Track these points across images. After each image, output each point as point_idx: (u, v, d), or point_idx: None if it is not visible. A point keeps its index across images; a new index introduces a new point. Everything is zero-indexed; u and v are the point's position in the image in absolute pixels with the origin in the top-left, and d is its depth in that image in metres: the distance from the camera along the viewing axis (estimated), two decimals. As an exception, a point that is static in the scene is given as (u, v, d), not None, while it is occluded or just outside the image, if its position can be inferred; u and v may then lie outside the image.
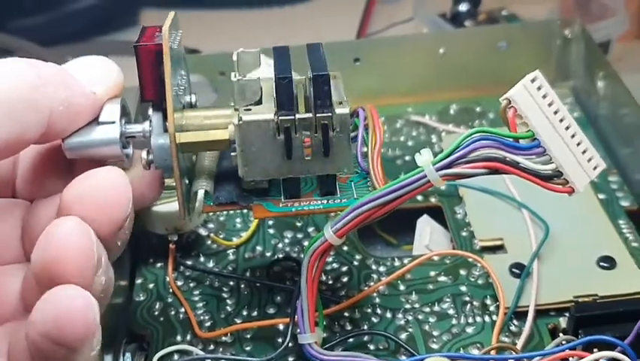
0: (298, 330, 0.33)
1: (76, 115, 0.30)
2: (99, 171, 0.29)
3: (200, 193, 0.33)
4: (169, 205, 0.40)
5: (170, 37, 0.31)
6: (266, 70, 0.34)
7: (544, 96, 0.30)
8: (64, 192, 0.29)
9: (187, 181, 0.34)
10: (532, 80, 0.30)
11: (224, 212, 0.45)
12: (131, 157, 0.32)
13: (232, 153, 0.32)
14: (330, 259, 0.42)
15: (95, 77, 0.31)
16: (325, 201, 0.34)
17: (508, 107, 0.30)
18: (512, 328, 0.37)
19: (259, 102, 0.33)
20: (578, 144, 0.30)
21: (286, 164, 0.32)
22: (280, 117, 0.31)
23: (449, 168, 0.30)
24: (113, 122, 0.31)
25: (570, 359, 0.32)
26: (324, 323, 0.36)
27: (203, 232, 0.43)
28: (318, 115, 0.31)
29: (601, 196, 0.44)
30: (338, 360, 0.33)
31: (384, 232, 0.46)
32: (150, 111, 0.32)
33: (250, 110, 0.32)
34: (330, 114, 0.31)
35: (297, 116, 0.31)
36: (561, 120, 0.30)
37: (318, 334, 0.34)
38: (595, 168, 0.30)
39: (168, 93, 0.31)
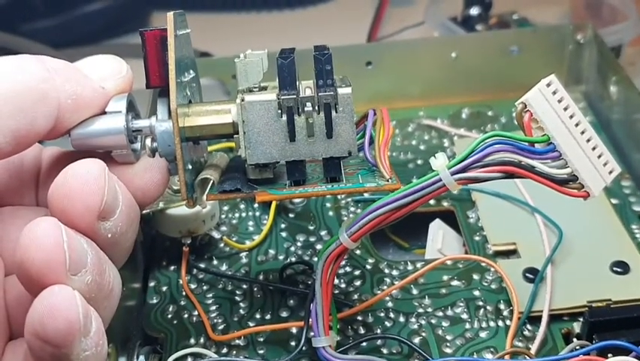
0: (312, 333, 0.33)
1: (85, 109, 0.30)
2: (73, 163, 0.28)
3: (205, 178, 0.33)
4: (182, 209, 0.40)
5: (176, 28, 0.31)
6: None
7: (559, 100, 0.30)
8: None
9: (194, 177, 0.33)
10: (548, 85, 0.30)
11: (237, 215, 0.45)
12: (139, 153, 0.32)
13: (235, 135, 0.32)
14: (343, 263, 0.42)
15: (105, 73, 0.31)
16: (330, 185, 0.33)
17: (524, 112, 0.30)
18: (526, 332, 0.37)
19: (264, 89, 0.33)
20: (594, 149, 0.30)
21: (290, 146, 0.32)
22: (282, 97, 0.31)
23: (464, 172, 0.30)
24: (119, 112, 0.31)
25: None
26: (338, 326, 0.36)
27: (216, 235, 0.43)
28: (320, 94, 0.31)
29: (614, 201, 0.44)
30: (352, 364, 0.33)
31: (396, 236, 0.46)
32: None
33: (253, 92, 0.32)
34: (332, 93, 0.31)
35: (300, 95, 0.31)
36: (577, 125, 0.30)
37: (332, 337, 0.34)
38: (610, 172, 0.30)
39: (172, 67, 0.30)
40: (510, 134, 0.30)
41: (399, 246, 0.46)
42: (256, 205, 0.46)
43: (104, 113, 0.31)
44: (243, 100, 0.31)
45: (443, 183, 0.30)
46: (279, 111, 0.31)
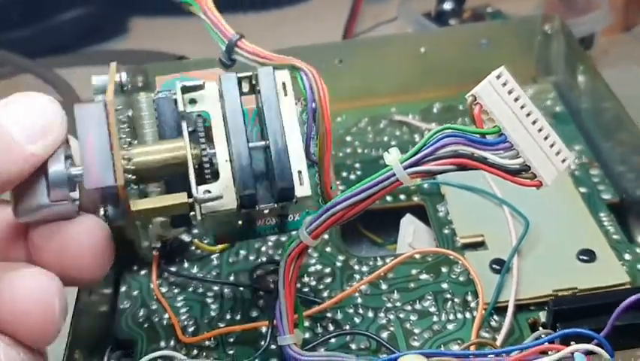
0: (277, 332, 0.34)
1: (11, 183, 0.28)
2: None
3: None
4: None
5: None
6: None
7: (509, 92, 0.30)
8: None
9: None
10: (498, 77, 0.30)
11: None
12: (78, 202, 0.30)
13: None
14: (312, 261, 0.42)
15: (35, 131, 0.28)
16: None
17: (474, 104, 0.30)
18: (493, 323, 0.37)
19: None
20: (546, 138, 0.30)
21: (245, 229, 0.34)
22: (243, 210, 0.31)
23: (417, 165, 0.31)
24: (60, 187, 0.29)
25: (548, 352, 0.32)
26: (305, 324, 0.37)
27: (186, 238, 0.43)
28: (279, 204, 0.32)
29: (582, 190, 0.44)
30: (317, 360, 0.33)
31: (369, 232, 0.47)
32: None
33: (210, 194, 0.30)
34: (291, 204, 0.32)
35: (260, 207, 0.31)
36: (528, 115, 0.30)
37: (297, 335, 0.34)
38: (563, 160, 0.31)
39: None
40: (461, 127, 0.30)
41: (372, 242, 0.47)
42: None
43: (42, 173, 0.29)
44: (203, 215, 0.30)
45: (397, 177, 0.30)
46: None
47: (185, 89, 0.32)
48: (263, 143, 0.31)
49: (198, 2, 0.35)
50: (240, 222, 0.33)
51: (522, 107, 0.30)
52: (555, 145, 0.30)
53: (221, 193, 0.30)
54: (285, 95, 0.32)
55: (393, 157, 0.31)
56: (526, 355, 0.32)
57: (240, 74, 0.32)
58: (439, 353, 0.33)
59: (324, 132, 0.32)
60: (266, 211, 0.32)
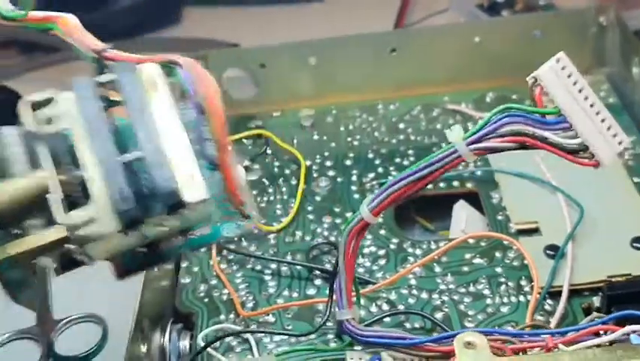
0: (336, 308, 0.35)
1: None
2: None
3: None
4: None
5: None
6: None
7: (569, 75, 0.30)
8: None
9: None
10: (557, 61, 0.31)
11: (265, 198, 0.46)
12: None
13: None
14: (367, 242, 0.43)
15: None
16: None
17: (535, 85, 0.31)
18: (547, 307, 0.38)
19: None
20: (603, 120, 0.31)
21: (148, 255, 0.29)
22: (131, 231, 0.26)
23: (479, 142, 0.31)
24: None
25: (602, 333, 0.33)
26: (362, 302, 0.38)
27: (244, 216, 0.44)
28: (171, 215, 0.27)
29: (636, 180, 0.44)
30: (374, 335, 0.34)
31: (421, 218, 0.47)
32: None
33: (81, 217, 0.26)
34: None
35: (149, 221, 0.27)
36: (585, 98, 0.30)
37: (355, 311, 0.35)
38: (620, 143, 0.31)
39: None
40: (522, 107, 0.31)
41: (424, 228, 0.47)
42: (284, 189, 0.47)
43: None
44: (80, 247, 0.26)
45: (459, 153, 0.31)
46: None
47: (37, 106, 0.28)
48: (135, 151, 0.26)
49: (61, 26, 0.31)
50: (140, 248, 0.28)
51: (580, 91, 0.31)
52: (612, 128, 0.31)
53: (95, 215, 0.26)
54: (156, 91, 0.28)
55: (456, 134, 0.31)
56: (580, 335, 0.32)
57: (101, 77, 0.28)
58: (497, 331, 0.34)
59: (215, 129, 0.28)
60: (162, 228, 0.27)
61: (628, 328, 0.31)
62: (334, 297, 0.35)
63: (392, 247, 0.42)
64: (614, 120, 0.30)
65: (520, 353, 0.32)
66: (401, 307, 0.39)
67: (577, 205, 0.42)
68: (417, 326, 0.38)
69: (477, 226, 0.44)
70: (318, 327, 0.36)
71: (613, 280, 0.37)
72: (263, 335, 0.38)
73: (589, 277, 0.38)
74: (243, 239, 0.44)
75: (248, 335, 0.38)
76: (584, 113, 0.30)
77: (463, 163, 0.45)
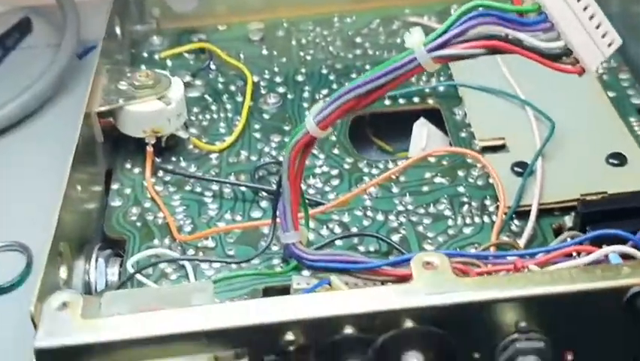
0: (281, 229, 0.31)
1: None
2: None
3: None
4: (145, 105, 0.38)
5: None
6: None
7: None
8: None
9: None
10: (537, -53, 0.26)
11: (208, 116, 0.42)
12: None
13: None
14: (319, 162, 0.39)
15: None
16: None
17: (510, -25, 0.26)
18: (514, 228, 0.34)
19: None
20: (591, 18, 0.27)
21: None
22: None
23: (443, 48, 0.27)
24: None
25: (575, 255, 0.29)
26: (311, 225, 0.34)
27: (183, 135, 0.40)
28: None
29: (611, 94, 0.41)
30: (323, 259, 0.30)
31: (379, 139, 0.44)
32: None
33: None
34: None
35: None
36: (571, -11, 0.26)
37: (302, 233, 0.31)
38: (610, 44, 0.27)
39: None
40: (495, 4, 0.27)
41: (381, 150, 0.44)
42: (229, 107, 0.43)
43: None
44: None
45: (418, 62, 0.27)
46: None
47: None
48: None
49: None
50: None
51: (564, -17, 0.27)
52: (601, 26, 0.27)
53: None
54: None
55: (415, 39, 0.27)
56: (553, 257, 0.29)
57: None
58: (459, 253, 0.30)
59: None
60: None
61: (608, 248, 0.28)
62: (278, 219, 0.31)
63: (346, 166, 0.39)
64: (604, 17, 0.27)
65: (486, 276, 0.28)
66: (354, 230, 0.35)
67: (548, 120, 0.38)
68: (371, 249, 0.34)
69: (439, 146, 0.41)
70: (260, 252, 0.33)
71: (587, 198, 0.34)
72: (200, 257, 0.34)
73: (560, 196, 0.35)
74: (181, 159, 0.39)
75: (184, 262, 0.34)
76: (569, 9, 0.27)
77: (423, 75, 0.43)
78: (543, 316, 0.25)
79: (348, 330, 0.25)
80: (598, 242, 0.29)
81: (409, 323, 0.25)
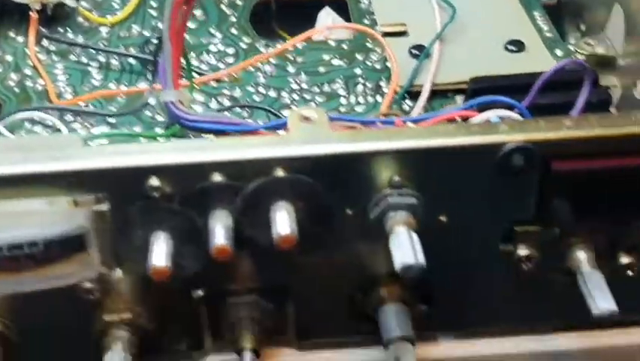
0: (161, 85, 0.29)
1: None
2: None
3: None
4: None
5: None
6: None
7: None
8: None
9: None
10: None
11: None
12: None
13: None
14: (215, 40, 0.37)
15: None
16: None
17: None
18: (405, 107, 0.33)
19: None
20: None
21: None
22: None
23: None
24: None
25: (459, 119, 0.29)
26: (202, 99, 0.33)
27: (71, 3, 0.37)
28: None
29: (516, -11, 0.40)
30: (204, 120, 0.29)
31: (282, 30, 0.42)
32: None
33: None
34: None
35: None
36: None
37: (184, 94, 0.29)
38: None
39: None
40: None
41: (284, 40, 0.42)
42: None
43: None
44: None
45: None
46: None
47: None
48: None
49: None
50: None
51: None
52: None
53: None
54: None
55: None
56: (435, 121, 0.28)
57: None
58: (343, 117, 0.29)
59: None
60: None
61: (490, 112, 0.28)
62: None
63: (243, 46, 0.37)
64: None
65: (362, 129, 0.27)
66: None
67: (449, 6, 0.37)
68: (260, 123, 0.33)
69: (342, 35, 0.40)
70: (137, 109, 0.31)
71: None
72: (77, 124, 0.32)
73: (454, 77, 0.34)
74: (68, 30, 0.37)
75: (59, 124, 0.32)
76: None
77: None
78: (417, 171, 0.25)
79: (217, 177, 0.24)
80: (485, 109, 0.29)
81: (279, 173, 0.24)
